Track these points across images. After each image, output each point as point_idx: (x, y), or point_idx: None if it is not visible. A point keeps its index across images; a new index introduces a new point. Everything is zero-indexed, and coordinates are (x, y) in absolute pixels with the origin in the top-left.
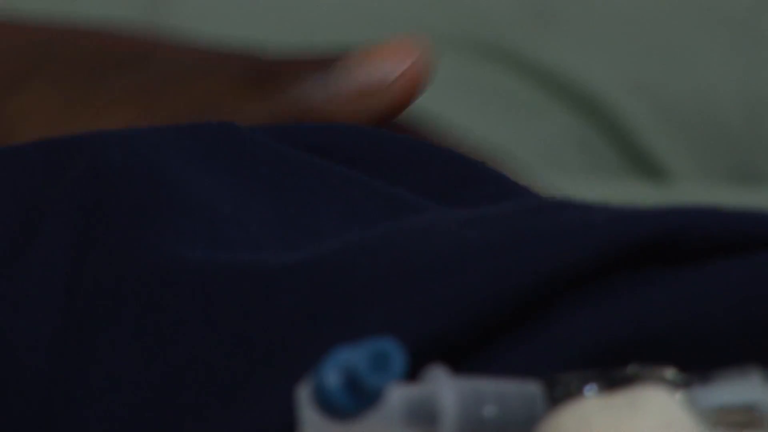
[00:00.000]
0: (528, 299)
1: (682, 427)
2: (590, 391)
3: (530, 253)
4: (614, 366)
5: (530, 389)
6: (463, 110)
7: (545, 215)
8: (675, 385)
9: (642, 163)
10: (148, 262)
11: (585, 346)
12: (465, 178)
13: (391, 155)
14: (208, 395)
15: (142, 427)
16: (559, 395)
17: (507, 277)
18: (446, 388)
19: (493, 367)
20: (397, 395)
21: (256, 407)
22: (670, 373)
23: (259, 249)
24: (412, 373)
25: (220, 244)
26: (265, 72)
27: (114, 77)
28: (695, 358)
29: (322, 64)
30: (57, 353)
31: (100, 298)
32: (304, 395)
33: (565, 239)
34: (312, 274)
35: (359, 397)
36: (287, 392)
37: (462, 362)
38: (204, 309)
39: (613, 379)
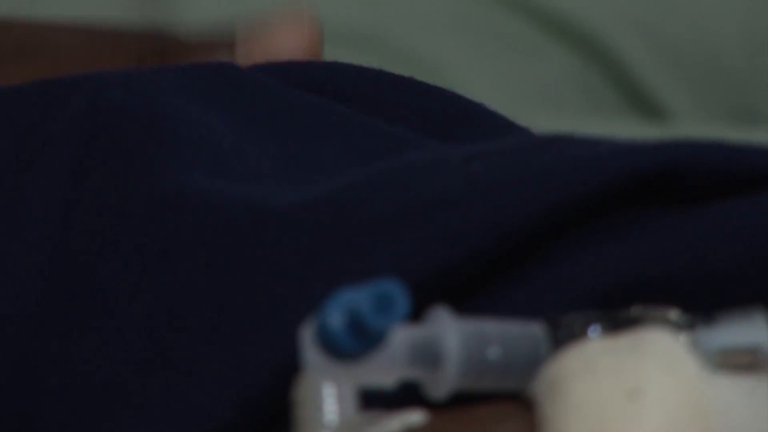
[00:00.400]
0: (533, 234)
1: (685, 369)
2: (594, 332)
3: (536, 187)
4: (618, 307)
5: (534, 331)
6: (463, 52)
7: (550, 150)
8: (679, 326)
9: (642, 103)
10: (148, 191)
11: (589, 286)
12: (462, 118)
13: (389, 95)
14: (207, 329)
15: (138, 358)
16: (562, 337)
17: (513, 212)
18: (450, 330)
19: (498, 307)
20: (401, 336)
21: (257, 344)
22: (673, 314)
23: (260, 181)
24: (417, 310)
25: (222, 174)
26: (169, 50)
27: (10, 64)
28: (700, 299)
29: (223, 41)
30: (52, 280)
31: (98, 227)
32: (307, 336)
33: (570, 173)
34: (315, 211)
35: (362, 338)
36: (289, 329)
37: (466, 302)
38: (206, 242)
39: (616, 321)
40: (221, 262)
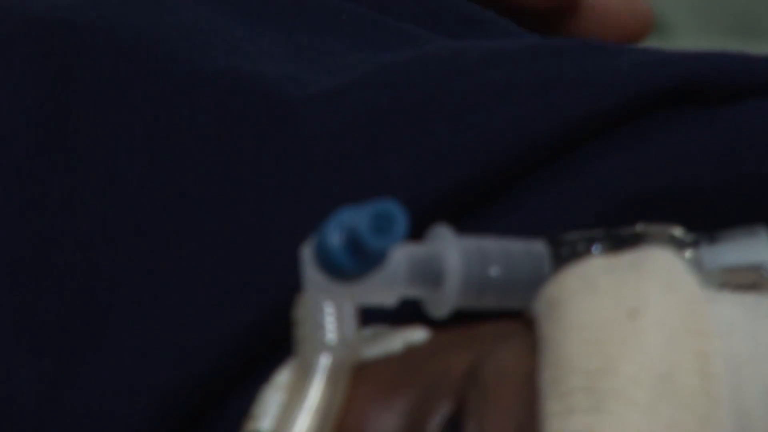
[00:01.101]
0: (553, 146)
1: (686, 288)
2: (597, 250)
3: (557, 98)
4: (623, 224)
5: (536, 249)
6: None
7: (569, 57)
8: (682, 244)
9: None
10: (162, 67)
11: (603, 197)
12: (473, 21)
13: None
14: (210, 211)
15: (137, 232)
16: (565, 255)
17: (533, 123)
18: (451, 247)
19: (501, 225)
20: (401, 255)
21: (261, 236)
22: (678, 231)
23: (276, 64)
24: (441, 217)
25: (240, 54)
26: None
27: None
28: (708, 213)
29: None
30: (42, 139)
31: (99, 99)
32: (307, 255)
33: (592, 87)
34: (333, 105)
35: (361, 257)
36: (298, 226)
37: (469, 220)
38: (220, 125)
39: (620, 239)
40: (230, 148)
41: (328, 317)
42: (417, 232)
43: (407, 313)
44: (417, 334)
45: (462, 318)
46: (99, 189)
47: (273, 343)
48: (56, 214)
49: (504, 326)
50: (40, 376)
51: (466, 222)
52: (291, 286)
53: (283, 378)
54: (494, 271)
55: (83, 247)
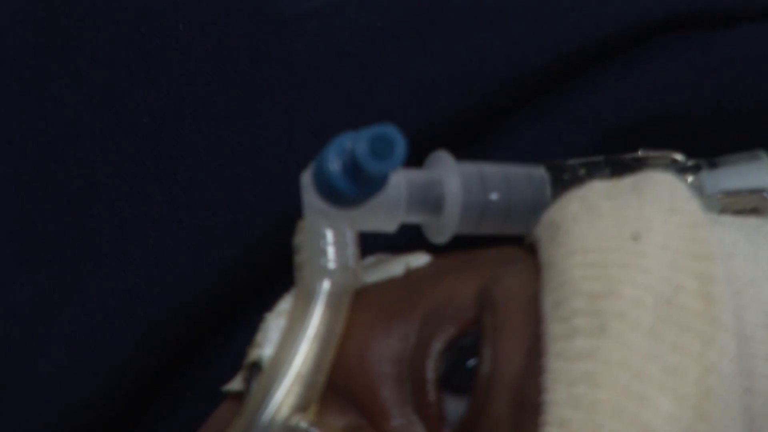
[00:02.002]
0: (546, 78)
1: (688, 211)
2: (598, 175)
3: (551, 30)
4: (625, 150)
5: (537, 173)
6: None
7: None
8: (683, 169)
9: None
10: None
11: (598, 126)
12: None
13: None
14: (204, 134)
15: (134, 152)
16: (566, 180)
17: (527, 55)
18: (451, 173)
19: (498, 154)
20: (401, 180)
21: (253, 162)
22: (679, 156)
23: None
24: (434, 148)
25: None
26: None
27: None
28: (705, 140)
29: None
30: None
31: (96, 12)
32: (307, 181)
33: (585, 16)
34: (326, 25)
35: (361, 183)
36: (289, 153)
37: (469, 147)
38: (214, 42)
39: (621, 164)
40: (224, 65)
41: (328, 243)
42: (410, 162)
43: (408, 243)
44: (418, 259)
45: (462, 246)
46: (97, 102)
47: (273, 272)
48: (56, 124)
49: (507, 250)
50: (35, 295)
51: (460, 154)
52: (284, 213)
53: (286, 305)
54: (494, 195)
55: (82, 163)
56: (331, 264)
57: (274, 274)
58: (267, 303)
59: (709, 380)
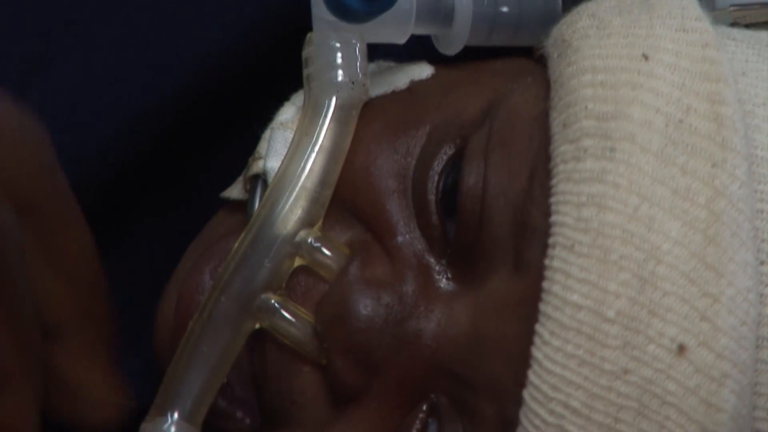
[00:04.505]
0: None
1: (698, 31)
2: None
3: None
4: None
5: None
6: None
7: None
8: None
9: None
10: None
11: None
12: None
13: None
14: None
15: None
16: None
17: None
18: None
19: None
20: None
21: None
22: None
23: None
24: None
25: None
26: None
27: None
28: None
29: None
30: None
31: None
32: None
33: None
34: None
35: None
36: None
37: None
38: None
39: None
40: None
41: (338, 56)
42: None
43: (408, 52)
44: (422, 71)
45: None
46: None
47: (270, 79)
48: None
49: (519, 62)
50: (19, 59)
51: None
52: (272, 11)
53: (287, 117)
54: (506, 7)
55: None
56: (341, 78)
57: (273, 81)
58: (260, 117)
59: (719, 203)
